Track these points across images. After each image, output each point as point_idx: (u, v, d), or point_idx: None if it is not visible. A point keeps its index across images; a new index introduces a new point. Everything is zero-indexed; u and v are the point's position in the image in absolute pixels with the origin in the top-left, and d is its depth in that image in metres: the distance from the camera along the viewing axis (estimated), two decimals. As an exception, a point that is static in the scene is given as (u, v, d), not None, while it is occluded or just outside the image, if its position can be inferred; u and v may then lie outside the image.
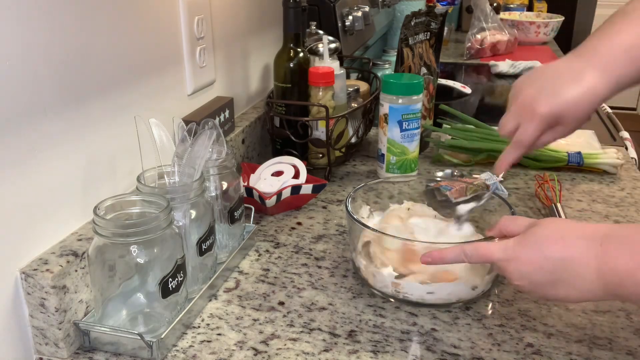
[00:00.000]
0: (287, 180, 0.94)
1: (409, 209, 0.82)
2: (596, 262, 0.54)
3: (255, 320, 0.69)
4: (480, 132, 1.14)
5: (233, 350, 0.65)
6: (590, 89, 0.66)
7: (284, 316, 0.70)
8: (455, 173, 1.07)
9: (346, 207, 0.76)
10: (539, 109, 0.68)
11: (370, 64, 1.30)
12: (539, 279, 0.57)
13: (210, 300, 0.73)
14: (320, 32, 1.20)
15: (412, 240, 0.71)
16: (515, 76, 1.86)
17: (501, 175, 0.75)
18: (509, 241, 0.60)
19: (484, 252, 0.62)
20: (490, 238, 0.67)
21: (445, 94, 1.64)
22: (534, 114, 0.68)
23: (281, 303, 0.73)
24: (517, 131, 0.71)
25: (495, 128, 1.15)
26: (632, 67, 0.66)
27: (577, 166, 1.09)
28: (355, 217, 0.74)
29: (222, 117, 0.96)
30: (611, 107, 1.63)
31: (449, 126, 1.18)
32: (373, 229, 0.72)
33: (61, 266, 0.61)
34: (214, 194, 0.77)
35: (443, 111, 1.21)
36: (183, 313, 0.66)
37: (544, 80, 0.70)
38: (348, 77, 1.23)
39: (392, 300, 0.72)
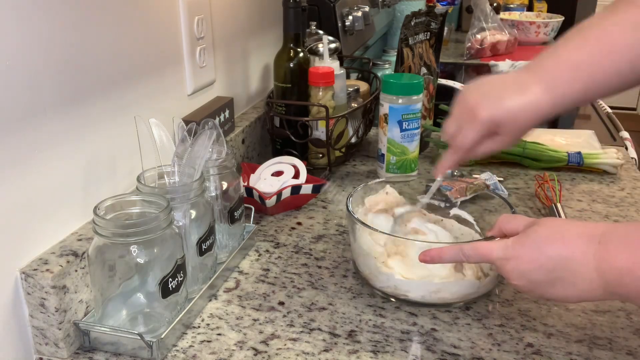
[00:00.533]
0: (287, 180, 0.94)
1: (387, 192, 0.83)
2: (595, 260, 0.54)
3: (255, 320, 0.69)
4: (480, 132, 1.13)
5: (233, 350, 0.65)
6: (533, 102, 0.66)
7: (284, 316, 0.70)
8: (455, 173, 1.07)
9: (347, 207, 0.76)
10: (479, 113, 0.67)
11: (370, 64, 1.30)
12: (539, 278, 0.57)
13: (210, 300, 0.73)
14: (320, 32, 1.20)
15: (413, 239, 0.71)
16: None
17: (439, 177, 0.76)
18: (508, 240, 0.60)
19: (483, 252, 0.61)
20: (490, 237, 0.67)
21: (445, 94, 1.64)
22: (474, 118, 0.68)
23: (281, 303, 0.73)
24: (458, 135, 0.71)
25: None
26: (577, 86, 0.66)
27: (577, 166, 1.09)
28: (355, 216, 0.74)
29: (222, 117, 0.96)
30: (611, 107, 1.63)
31: (449, 126, 1.18)
32: (373, 229, 0.72)
33: (61, 266, 0.61)
34: (214, 194, 0.77)
35: (443, 111, 1.21)
36: (183, 313, 0.66)
37: (489, 87, 0.70)
38: (348, 77, 1.23)
39: (392, 299, 0.72)
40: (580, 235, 0.56)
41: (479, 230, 0.81)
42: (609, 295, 0.55)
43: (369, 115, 1.14)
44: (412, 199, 0.86)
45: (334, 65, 1.07)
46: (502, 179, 1.05)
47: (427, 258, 0.65)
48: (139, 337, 0.62)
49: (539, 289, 0.58)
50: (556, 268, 0.56)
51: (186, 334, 0.67)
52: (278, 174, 0.96)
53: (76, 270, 0.63)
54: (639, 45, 0.64)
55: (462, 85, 1.70)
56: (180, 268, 0.64)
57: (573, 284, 0.55)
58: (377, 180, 0.86)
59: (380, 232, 0.71)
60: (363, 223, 0.73)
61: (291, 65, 1.03)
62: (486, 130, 0.68)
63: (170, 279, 0.63)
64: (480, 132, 0.68)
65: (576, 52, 0.66)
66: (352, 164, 1.14)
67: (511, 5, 2.64)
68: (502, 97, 0.67)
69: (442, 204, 0.85)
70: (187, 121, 0.77)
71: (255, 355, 0.64)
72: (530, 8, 2.75)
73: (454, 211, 0.84)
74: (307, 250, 0.84)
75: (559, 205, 0.92)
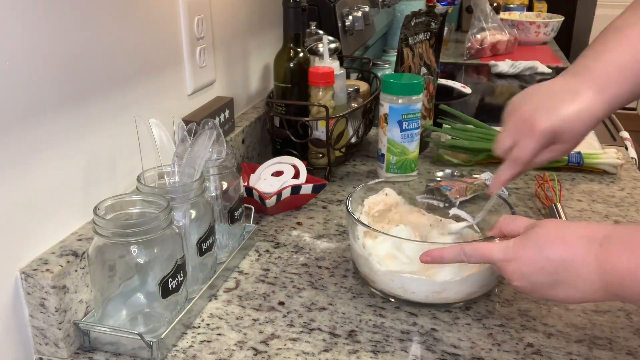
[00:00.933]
0: (287, 180, 0.94)
1: (386, 194, 0.83)
2: (596, 262, 0.54)
3: (255, 320, 0.69)
4: (480, 132, 1.14)
5: (233, 350, 0.65)
6: (587, 107, 0.66)
7: (284, 316, 0.70)
8: (455, 173, 1.07)
9: (346, 207, 0.76)
10: (538, 125, 0.66)
11: (370, 64, 1.30)
12: (540, 279, 0.57)
13: (210, 300, 0.73)
14: (320, 32, 1.20)
15: (413, 240, 0.71)
16: (515, 76, 1.86)
17: (495, 193, 0.74)
18: (509, 241, 0.60)
19: (484, 252, 0.61)
20: (490, 238, 0.67)
21: (445, 94, 1.64)
22: (533, 130, 0.67)
23: (281, 303, 0.73)
24: (515, 148, 0.69)
25: (496, 128, 1.16)
26: (626, 86, 0.66)
27: (577, 166, 1.09)
28: (355, 217, 0.74)
29: (222, 117, 0.96)
30: (611, 107, 1.63)
31: (449, 126, 1.18)
32: (373, 229, 0.72)
33: (61, 266, 0.61)
34: (214, 194, 0.77)
35: (443, 111, 1.21)
36: (183, 313, 0.66)
37: (540, 97, 0.69)
38: (348, 77, 1.23)
39: (392, 300, 0.72)
40: (581, 237, 0.56)
41: (478, 230, 0.81)
42: (610, 297, 0.55)
43: (369, 115, 1.14)
44: (411, 198, 0.87)
45: (334, 65, 1.07)
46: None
47: (428, 258, 0.65)
48: (139, 337, 0.62)
49: (541, 291, 0.58)
50: (557, 270, 0.56)
51: (186, 334, 0.67)
52: (278, 174, 0.96)
53: (76, 270, 0.63)
54: None
55: (463, 85, 1.70)
56: (180, 268, 0.64)
57: (574, 286, 0.55)
58: (377, 180, 0.86)
59: (380, 232, 0.71)
60: (362, 223, 0.73)
61: (291, 65, 1.03)
62: (545, 141, 0.68)
63: (170, 279, 0.63)
64: (539, 144, 0.67)
65: (621, 54, 0.67)
66: (352, 164, 1.14)
67: (511, 5, 2.64)
68: (557, 106, 0.67)
69: (442, 204, 0.85)
70: (187, 121, 0.77)
71: (255, 355, 0.64)
72: (530, 8, 2.75)
73: (453, 211, 0.84)
74: (307, 250, 0.84)
75: (559, 205, 0.92)
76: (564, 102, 0.67)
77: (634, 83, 0.66)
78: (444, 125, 1.20)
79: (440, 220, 0.83)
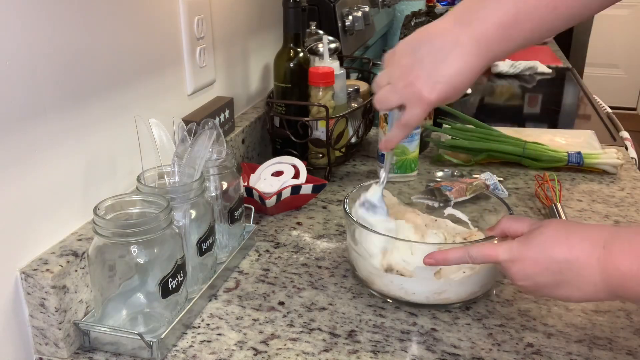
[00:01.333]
0: (287, 180, 0.94)
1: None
2: (599, 264, 0.54)
3: (255, 320, 0.69)
4: (480, 132, 1.14)
5: (233, 350, 0.65)
6: (470, 67, 0.64)
7: (284, 316, 0.70)
8: (455, 173, 1.07)
9: (344, 208, 0.76)
10: (426, 97, 0.65)
11: (370, 64, 1.30)
12: (544, 280, 0.58)
13: (210, 300, 0.73)
14: (320, 32, 1.20)
15: (413, 241, 0.71)
16: (515, 76, 1.86)
17: (389, 152, 0.73)
18: (513, 242, 0.60)
19: (488, 253, 0.62)
20: (491, 238, 0.67)
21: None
22: (421, 100, 0.65)
23: (281, 303, 0.73)
24: (405, 115, 0.68)
25: (496, 128, 1.16)
26: (507, 44, 0.64)
27: (577, 166, 1.09)
28: (353, 218, 0.74)
29: (222, 117, 0.96)
30: (611, 107, 1.63)
31: (449, 126, 1.18)
32: (371, 230, 0.72)
33: (61, 266, 0.61)
34: (214, 194, 0.77)
35: (443, 111, 1.21)
36: (183, 313, 0.66)
37: (424, 54, 0.65)
38: (348, 77, 1.23)
39: (389, 301, 0.72)
40: (585, 238, 0.56)
41: (474, 229, 0.81)
42: (613, 297, 0.55)
43: (369, 115, 1.14)
44: (409, 199, 0.87)
45: (334, 65, 1.07)
46: (502, 179, 1.05)
47: (432, 261, 0.65)
48: (139, 337, 0.62)
49: (544, 291, 0.59)
50: (561, 270, 0.56)
51: (186, 334, 0.67)
52: (278, 174, 0.96)
53: (76, 270, 0.63)
54: None
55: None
56: (180, 268, 0.64)
57: (577, 286, 0.56)
58: (375, 180, 0.86)
59: (379, 233, 0.71)
60: (361, 224, 0.73)
61: (291, 65, 1.03)
62: (432, 108, 0.67)
63: (170, 279, 0.63)
64: (427, 112, 0.67)
65: (506, 12, 0.62)
66: (352, 164, 1.14)
67: (511, 5, 2.63)
68: (441, 71, 0.64)
69: (437, 204, 0.85)
70: (187, 121, 0.77)
71: (255, 355, 0.64)
72: (530, 8, 2.74)
73: (448, 210, 0.84)
74: (307, 250, 0.84)
75: (559, 205, 0.92)
76: (448, 61, 0.64)
77: (514, 43, 0.64)
78: (444, 125, 1.20)
79: (435, 220, 0.83)
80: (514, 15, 0.62)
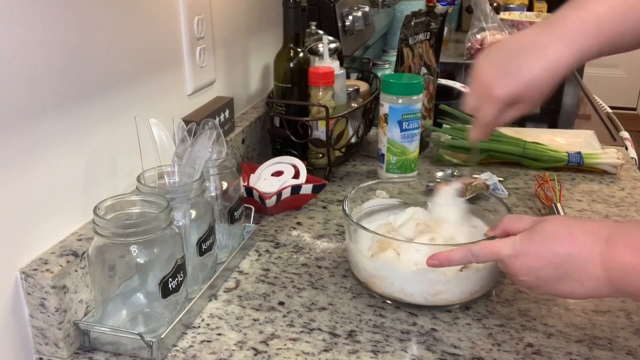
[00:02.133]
0: (287, 180, 0.94)
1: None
2: (601, 258, 0.54)
3: (255, 320, 0.69)
4: (480, 132, 1.13)
5: (233, 350, 0.65)
6: (552, 65, 0.65)
7: (284, 316, 0.70)
8: (455, 173, 1.07)
9: (343, 208, 0.76)
10: (496, 92, 0.67)
11: (370, 64, 1.30)
12: (546, 274, 0.58)
13: (210, 300, 0.73)
14: (320, 32, 1.20)
15: (413, 242, 0.71)
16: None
17: (475, 145, 0.75)
18: (516, 237, 0.61)
19: (491, 250, 0.62)
20: (492, 238, 0.67)
21: (445, 94, 1.64)
22: (491, 97, 0.68)
23: (281, 303, 0.73)
24: (479, 113, 0.71)
25: (495, 128, 1.16)
26: (597, 40, 0.65)
27: (577, 166, 1.09)
28: (352, 218, 0.74)
29: (222, 117, 0.96)
30: (611, 107, 1.63)
31: (449, 126, 1.18)
32: (370, 231, 0.72)
33: (61, 266, 0.61)
34: (214, 194, 0.77)
35: (443, 111, 1.21)
36: (183, 313, 0.66)
37: (504, 58, 0.68)
38: (348, 77, 1.23)
39: (389, 302, 0.72)
40: (587, 232, 0.56)
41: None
42: (615, 293, 0.55)
43: (369, 115, 1.14)
44: (409, 198, 0.86)
45: (334, 65, 1.07)
46: (502, 179, 1.05)
47: (435, 262, 0.65)
48: (139, 337, 0.62)
49: (546, 286, 0.59)
50: (563, 264, 0.56)
51: (186, 334, 0.67)
52: (278, 174, 0.96)
53: (76, 270, 0.63)
54: None
55: (462, 85, 1.70)
56: (180, 268, 0.64)
57: (579, 280, 0.56)
58: (375, 181, 0.86)
59: (378, 234, 0.71)
60: (360, 225, 0.72)
61: (291, 65, 1.03)
62: (505, 105, 0.68)
63: (170, 279, 0.63)
64: (498, 109, 0.69)
65: (599, 6, 0.65)
66: (352, 164, 1.14)
67: (511, 5, 2.64)
68: (517, 70, 0.66)
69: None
70: (187, 121, 0.77)
71: (255, 355, 0.64)
72: (530, 8, 2.74)
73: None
74: (307, 250, 0.84)
75: (559, 205, 0.92)
76: (527, 62, 0.66)
77: (606, 36, 0.65)
78: (444, 125, 1.20)
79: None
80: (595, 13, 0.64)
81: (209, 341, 0.66)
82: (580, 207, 0.97)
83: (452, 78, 1.84)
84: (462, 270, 0.69)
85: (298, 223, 0.92)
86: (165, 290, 0.63)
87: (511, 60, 0.68)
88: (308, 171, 0.97)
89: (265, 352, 0.64)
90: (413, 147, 1.01)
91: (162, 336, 0.63)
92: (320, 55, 1.09)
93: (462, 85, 1.72)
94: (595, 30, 0.64)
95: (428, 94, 1.16)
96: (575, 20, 0.66)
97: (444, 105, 1.21)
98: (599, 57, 0.68)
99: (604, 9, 0.65)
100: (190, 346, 0.65)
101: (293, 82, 1.04)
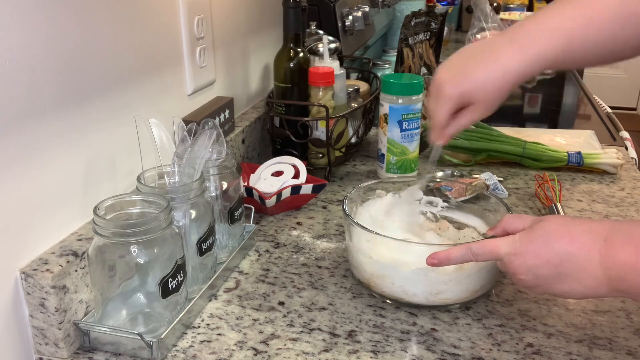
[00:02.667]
0: (287, 180, 0.94)
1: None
2: (600, 257, 0.54)
3: (255, 320, 0.69)
4: (480, 132, 1.14)
5: (233, 350, 0.65)
6: (502, 68, 0.66)
7: (284, 316, 0.70)
8: (455, 173, 1.07)
9: (343, 208, 0.76)
10: (446, 90, 0.68)
11: (370, 64, 1.30)
12: (545, 272, 0.58)
13: (210, 300, 0.73)
14: (320, 32, 1.20)
15: (412, 242, 0.71)
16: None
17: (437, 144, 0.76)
18: (515, 236, 0.61)
19: (491, 248, 0.62)
20: (492, 237, 0.67)
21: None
22: (442, 95, 0.69)
23: (281, 303, 0.73)
24: (433, 113, 0.72)
25: (496, 128, 1.16)
26: (551, 47, 0.65)
27: (577, 166, 1.09)
28: (352, 218, 0.74)
29: (222, 117, 0.96)
30: (611, 107, 1.63)
31: (449, 126, 1.18)
32: (370, 231, 0.72)
33: (61, 266, 0.61)
34: (214, 194, 0.77)
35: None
36: (183, 313, 0.66)
37: (461, 60, 0.70)
38: (348, 77, 1.23)
39: (388, 302, 0.72)
40: (586, 231, 0.56)
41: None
42: (614, 292, 0.55)
43: (369, 115, 1.14)
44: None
45: (334, 65, 1.07)
46: (502, 179, 1.05)
47: (434, 261, 0.65)
48: (139, 337, 0.62)
49: (545, 285, 0.59)
50: (562, 263, 0.56)
51: (186, 334, 0.67)
52: (278, 174, 0.96)
53: (76, 270, 0.63)
54: (623, 19, 0.63)
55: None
56: (180, 268, 0.64)
57: (578, 279, 0.56)
58: (375, 180, 0.86)
59: (377, 234, 0.71)
60: (360, 225, 0.72)
61: (291, 65, 1.03)
62: (456, 104, 0.69)
63: (170, 279, 0.63)
64: (449, 107, 0.69)
65: (558, 17, 0.65)
66: (352, 164, 1.14)
67: (511, 5, 2.64)
68: (468, 69, 0.68)
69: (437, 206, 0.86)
70: (187, 121, 0.77)
71: (255, 355, 0.64)
72: (530, 8, 2.74)
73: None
74: (307, 250, 0.84)
75: (559, 205, 0.92)
76: (478, 63, 0.67)
77: (562, 46, 0.65)
78: (444, 125, 1.19)
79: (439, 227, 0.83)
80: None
81: (209, 341, 0.66)
82: (580, 207, 0.97)
83: (452, 78, 1.83)
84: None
85: (298, 223, 0.92)
86: (165, 290, 0.63)
87: (466, 62, 0.69)
88: (308, 171, 0.97)
89: (265, 352, 0.64)
90: (413, 147, 1.01)
91: (162, 336, 0.63)
92: (320, 55, 1.09)
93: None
94: (548, 37, 0.65)
95: (428, 94, 1.16)
96: (531, 27, 0.66)
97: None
98: (561, 67, 0.68)
99: (562, 18, 0.65)
100: (190, 346, 0.65)
101: (293, 82, 1.04)
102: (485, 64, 0.67)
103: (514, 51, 0.66)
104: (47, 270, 0.60)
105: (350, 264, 0.77)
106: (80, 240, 0.66)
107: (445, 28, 1.45)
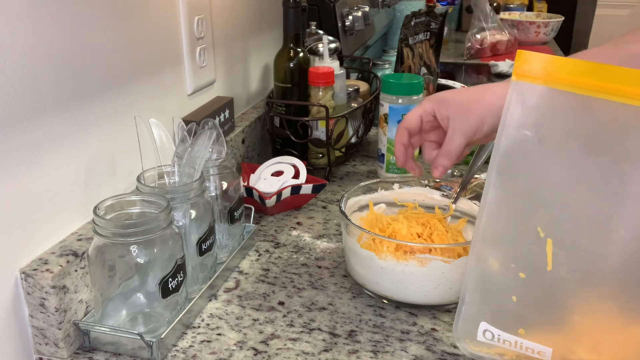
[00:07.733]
0: (287, 180, 0.94)
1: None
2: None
3: (255, 320, 0.69)
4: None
5: (233, 350, 0.65)
6: (490, 93, 0.65)
7: (284, 316, 0.70)
8: (455, 173, 1.06)
9: (340, 208, 0.76)
10: (423, 103, 0.69)
11: (370, 64, 1.30)
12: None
13: (210, 300, 0.73)
14: (320, 32, 1.20)
15: (411, 243, 0.71)
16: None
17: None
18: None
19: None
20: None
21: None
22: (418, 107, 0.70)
23: (281, 303, 0.73)
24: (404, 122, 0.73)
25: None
26: None
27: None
28: (350, 219, 0.74)
29: (222, 117, 0.96)
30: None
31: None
32: (369, 231, 0.72)
33: (61, 266, 0.61)
34: (214, 194, 0.77)
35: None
36: (183, 313, 0.66)
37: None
38: (348, 77, 1.23)
39: (385, 301, 0.72)
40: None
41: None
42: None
43: (369, 115, 1.14)
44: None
45: (334, 65, 1.07)
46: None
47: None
48: (139, 337, 0.62)
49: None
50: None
51: (186, 334, 0.67)
52: (278, 174, 0.96)
53: (76, 270, 0.63)
54: (620, 64, 0.63)
55: (462, 85, 1.70)
56: (180, 268, 0.64)
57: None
58: (375, 180, 0.86)
59: (376, 234, 0.71)
60: (357, 225, 0.72)
61: (291, 65, 1.03)
62: (425, 112, 0.68)
63: (170, 279, 0.63)
64: (418, 113, 0.69)
65: None
66: (352, 164, 1.14)
67: (511, 5, 2.64)
68: (454, 93, 0.68)
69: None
70: (187, 121, 0.77)
71: (255, 355, 0.64)
72: (530, 8, 2.75)
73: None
74: (307, 250, 0.84)
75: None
76: (464, 91, 0.68)
77: None
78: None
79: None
80: None
81: (209, 341, 0.66)
82: (580, 207, 0.97)
83: (452, 78, 1.84)
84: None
85: (298, 223, 0.92)
86: (165, 290, 0.63)
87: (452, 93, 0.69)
88: (308, 171, 0.97)
89: (265, 352, 0.64)
90: (413, 147, 1.01)
91: (162, 336, 0.63)
92: (320, 55, 1.09)
93: (462, 85, 1.72)
94: None
95: (428, 94, 1.16)
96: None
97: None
98: None
99: None
100: (190, 346, 0.65)
101: (293, 82, 1.04)
102: (470, 91, 0.68)
103: (499, 86, 0.65)
104: (47, 270, 0.60)
105: (347, 263, 0.77)
106: (80, 240, 0.66)
107: (445, 28, 1.45)
